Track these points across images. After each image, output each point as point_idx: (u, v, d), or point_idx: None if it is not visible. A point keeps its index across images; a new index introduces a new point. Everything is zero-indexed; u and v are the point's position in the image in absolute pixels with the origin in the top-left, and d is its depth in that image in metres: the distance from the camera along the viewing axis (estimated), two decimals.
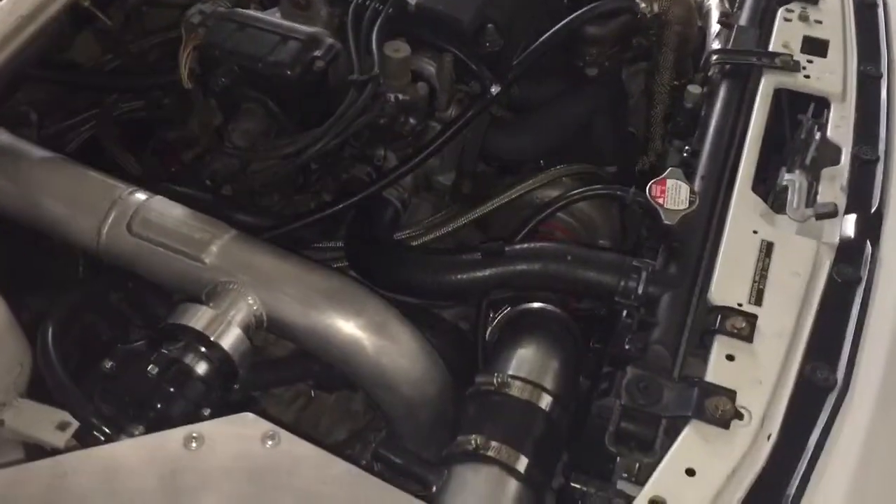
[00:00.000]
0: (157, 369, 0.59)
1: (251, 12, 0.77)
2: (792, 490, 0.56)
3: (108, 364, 0.61)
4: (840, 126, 0.82)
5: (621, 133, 1.00)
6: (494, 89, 0.79)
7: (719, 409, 0.59)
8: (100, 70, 0.89)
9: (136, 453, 0.53)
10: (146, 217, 0.69)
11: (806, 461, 0.57)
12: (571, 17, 0.84)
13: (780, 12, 0.94)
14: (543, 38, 0.82)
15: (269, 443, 0.53)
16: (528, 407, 0.65)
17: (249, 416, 0.54)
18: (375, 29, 0.77)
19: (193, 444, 0.52)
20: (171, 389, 0.59)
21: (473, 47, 0.81)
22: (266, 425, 0.53)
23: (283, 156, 0.71)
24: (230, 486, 0.52)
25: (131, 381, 0.60)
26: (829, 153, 0.79)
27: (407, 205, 0.84)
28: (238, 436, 0.53)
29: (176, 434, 0.53)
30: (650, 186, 0.72)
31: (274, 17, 0.77)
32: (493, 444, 0.62)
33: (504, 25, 0.82)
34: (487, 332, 0.73)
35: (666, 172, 0.74)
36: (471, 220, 0.83)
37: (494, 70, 0.81)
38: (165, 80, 0.83)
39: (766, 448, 0.58)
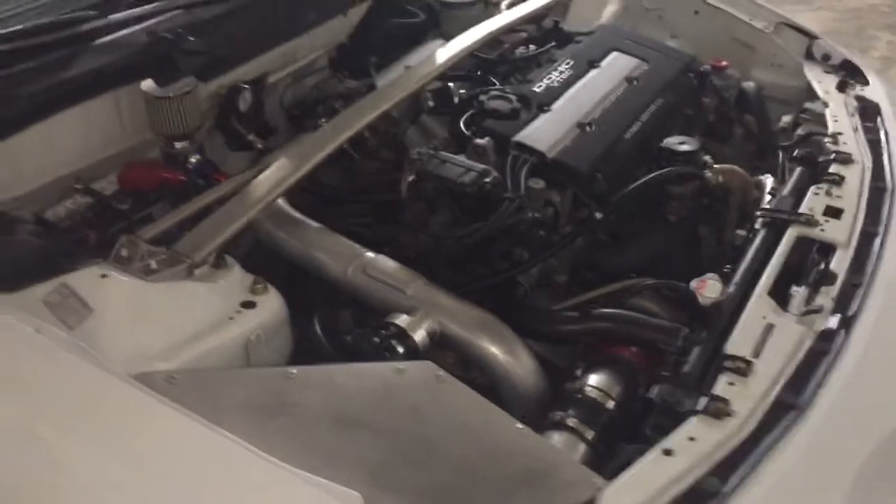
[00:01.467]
0: (378, 341, 1.01)
1: (449, 154, 1.23)
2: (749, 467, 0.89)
3: (348, 338, 1.03)
4: (841, 262, 1.18)
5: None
6: (598, 216, 1.21)
7: (717, 408, 0.94)
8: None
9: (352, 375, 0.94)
10: (374, 265, 1.13)
11: (763, 449, 0.91)
12: (654, 174, 1.26)
13: (812, 188, 1.32)
14: (632, 186, 1.24)
15: (442, 381, 0.93)
16: (596, 403, 1.02)
17: (430, 363, 0.94)
18: (525, 169, 1.21)
19: (398, 373, 0.93)
20: (386, 354, 1.00)
21: (587, 187, 1.24)
22: (439, 370, 0.93)
23: (457, 237, 1.14)
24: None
25: (361, 347, 1.02)
26: (829, 278, 1.15)
27: (531, 291, 1.24)
28: (425, 370, 0.93)
29: (384, 366, 0.94)
30: (693, 282, 1.11)
31: (462, 158, 1.22)
32: (571, 419, 0.99)
33: (609, 175, 1.25)
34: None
35: (707, 275, 1.13)
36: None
37: (600, 204, 1.23)
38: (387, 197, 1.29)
39: (740, 437, 0.92)
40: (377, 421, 0.89)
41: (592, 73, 1.43)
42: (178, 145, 1.26)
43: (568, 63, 1.44)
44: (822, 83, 1.59)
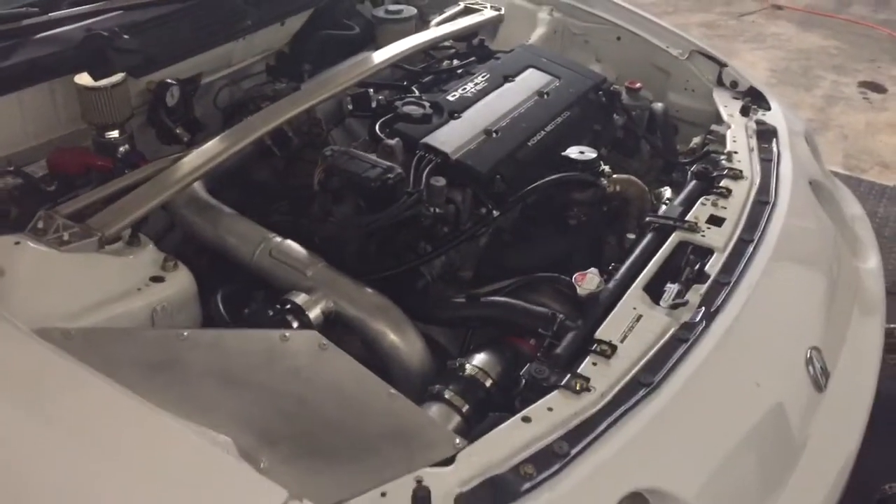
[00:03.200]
0: (272, 314, 1.09)
1: (358, 151, 1.32)
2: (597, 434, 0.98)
3: (246, 312, 1.12)
4: (715, 264, 1.28)
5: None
6: (495, 213, 1.30)
7: (577, 383, 1.03)
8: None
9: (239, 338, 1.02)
10: (279, 248, 1.22)
11: (613, 419, 1.00)
12: (549, 178, 1.36)
13: (701, 199, 1.42)
14: (528, 189, 1.34)
15: (325, 349, 1.01)
16: (475, 380, 1.10)
17: (316, 332, 1.03)
18: (428, 169, 1.30)
19: (283, 339, 1.01)
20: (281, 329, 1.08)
21: (486, 187, 1.33)
22: (324, 340, 1.02)
23: (357, 226, 1.23)
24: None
25: (259, 321, 1.10)
26: (701, 277, 1.25)
27: (433, 282, 1.32)
28: (310, 338, 1.02)
29: (272, 332, 1.02)
30: (575, 275, 1.20)
31: (373, 156, 1.32)
32: (448, 392, 1.07)
33: (509, 177, 1.34)
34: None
35: (589, 270, 1.22)
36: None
37: (498, 203, 1.32)
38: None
39: (594, 409, 1.01)
40: (258, 380, 0.97)
41: (506, 86, 1.53)
42: (108, 135, 1.34)
43: (484, 76, 1.55)
44: (728, 107, 1.70)
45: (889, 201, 2.77)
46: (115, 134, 1.35)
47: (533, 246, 1.41)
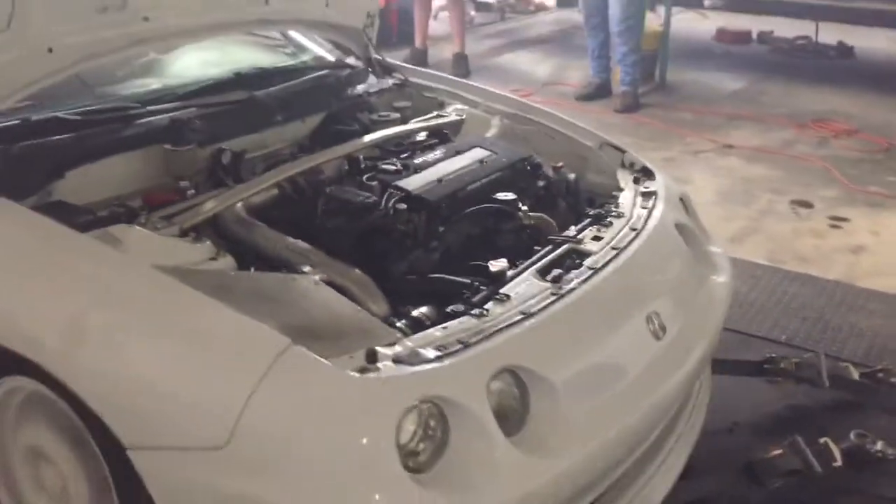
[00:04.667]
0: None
1: (350, 189, 1.96)
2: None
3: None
4: (591, 260, 1.87)
5: None
6: (441, 229, 1.93)
7: (480, 312, 1.61)
8: None
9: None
10: (294, 245, 1.83)
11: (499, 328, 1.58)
12: (480, 206, 1.98)
13: (590, 228, 2.03)
14: (464, 212, 1.97)
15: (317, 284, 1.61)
16: (419, 318, 1.68)
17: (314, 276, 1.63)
18: (394, 199, 1.92)
19: (293, 280, 1.62)
20: None
21: (435, 213, 1.95)
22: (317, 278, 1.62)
23: (346, 228, 1.85)
24: None
25: None
26: (578, 266, 1.84)
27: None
28: (308, 279, 1.62)
29: (289, 275, 1.63)
30: (490, 261, 1.80)
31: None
32: (400, 323, 1.65)
33: (451, 207, 1.96)
34: None
35: (501, 259, 1.82)
36: None
37: (443, 224, 1.94)
38: None
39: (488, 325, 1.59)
40: (277, 297, 1.56)
41: (457, 157, 2.19)
42: (181, 183, 2.00)
43: (442, 150, 2.22)
44: (625, 179, 2.34)
45: (799, 283, 3.37)
46: (186, 182, 2.00)
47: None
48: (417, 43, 6.45)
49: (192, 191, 1.98)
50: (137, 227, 1.68)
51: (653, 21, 6.15)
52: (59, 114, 1.94)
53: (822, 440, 2.26)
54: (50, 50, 1.83)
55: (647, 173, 2.36)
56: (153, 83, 2.27)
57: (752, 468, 2.17)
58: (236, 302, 1.50)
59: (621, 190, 2.27)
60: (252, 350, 1.42)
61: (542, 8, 9.09)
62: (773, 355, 2.61)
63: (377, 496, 1.35)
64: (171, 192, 1.96)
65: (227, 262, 1.73)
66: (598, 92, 5.84)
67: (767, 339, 2.92)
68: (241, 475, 1.37)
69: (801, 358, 2.61)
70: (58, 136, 1.88)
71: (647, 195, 2.23)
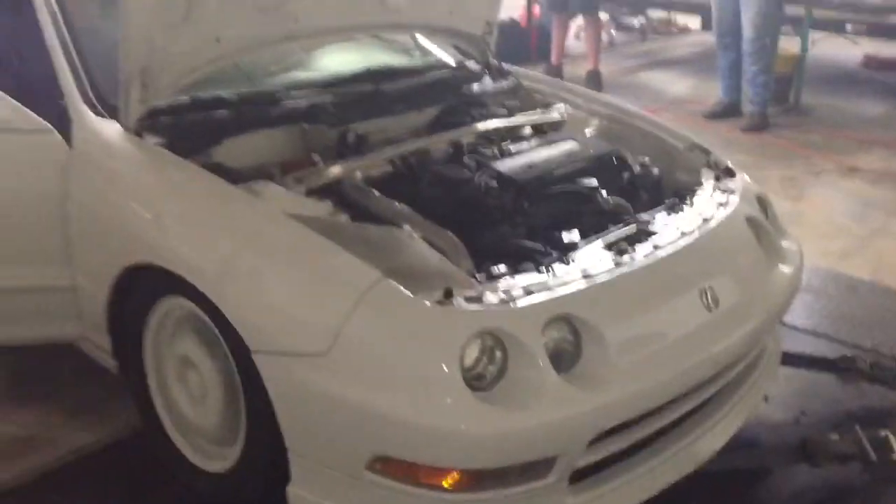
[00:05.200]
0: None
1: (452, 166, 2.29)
2: None
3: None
4: (656, 240, 2.12)
5: None
6: (526, 205, 2.23)
7: (546, 269, 1.90)
8: None
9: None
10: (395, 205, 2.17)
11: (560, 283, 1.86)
12: (563, 186, 2.27)
13: (661, 213, 2.27)
14: (550, 192, 2.26)
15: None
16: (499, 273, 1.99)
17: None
18: (486, 174, 2.24)
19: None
20: None
21: (522, 191, 2.25)
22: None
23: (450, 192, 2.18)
24: None
25: None
26: (645, 245, 2.10)
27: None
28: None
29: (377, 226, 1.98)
30: (563, 232, 2.09)
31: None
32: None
33: (536, 187, 2.26)
34: None
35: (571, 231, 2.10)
36: None
37: (528, 199, 2.24)
38: None
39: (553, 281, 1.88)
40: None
41: (549, 147, 2.48)
42: (313, 156, 2.38)
43: (537, 141, 2.52)
44: (706, 177, 2.55)
45: None
46: (317, 156, 2.38)
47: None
48: (553, 60, 6.75)
49: (320, 162, 2.36)
50: (273, 184, 2.07)
51: (791, 43, 6.19)
52: (221, 94, 2.36)
53: (882, 432, 2.38)
54: (217, 40, 2.26)
55: (728, 172, 2.57)
56: (298, 74, 2.68)
57: (805, 447, 2.32)
58: (345, 245, 1.86)
59: (702, 186, 2.50)
60: (353, 279, 1.77)
61: (684, 30, 9.17)
62: (850, 354, 2.74)
63: (448, 400, 1.67)
64: (304, 161, 2.34)
65: (342, 218, 2.08)
66: (727, 111, 5.94)
67: (853, 345, 3.02)
68: (338, 378, 1.72)
69: (877, 359, 2.73)
70: (218, 111, 2.30)
71: (724, 191, 2.45)
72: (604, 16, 7.96)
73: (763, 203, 2.54)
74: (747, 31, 5.61)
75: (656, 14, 8.88)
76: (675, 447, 2.02)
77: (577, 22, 7.21)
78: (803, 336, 3.05)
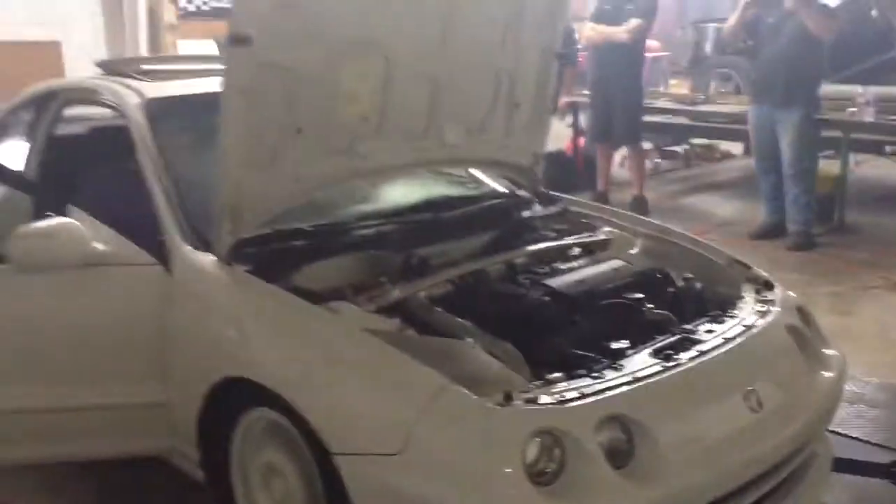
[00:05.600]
0: None
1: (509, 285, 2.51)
2: None
3: None
4: (704, 346, 2.29)
5: None
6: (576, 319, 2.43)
7: (594, 374, 2.08)
8: None
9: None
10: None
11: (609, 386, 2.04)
12: (613, 299, 2.47)
13: (706, 322, 2.44)
14: (599, 305, 2.46)
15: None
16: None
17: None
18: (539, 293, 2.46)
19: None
20: None
21: (573, 304, 2.45)
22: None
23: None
24: None
25: None
26: (690, 350, 2.27)
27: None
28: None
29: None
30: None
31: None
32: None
33: (586, 301, 2.46)
34: None
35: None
36: None
37: (580, 311, 2.44)
38: None
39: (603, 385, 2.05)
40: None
41: (597, 265, 2.70)
42: (381, 278, 2.62)
43: (586, 260, 2.74)
44: (747, 290, 2.73)
45: None
46: (384, 278, 2.61)
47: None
48: (600, 186, 7.05)
49: (388, 284, 2.60)
50: (347, 303, 2.31)
51: (834, 165, 6.39)
52: (299, 226, 2.65)
53: None
54: (297, 180, 2.56)
55: (767, 285, 2.74)
56: (365, 206, 2.97)
57: None
58: (414, 355, 2.06)
59: (743, 298, 2.67)
60: (423, 385, 1.97)
61: (727, 156, 9.48)
62: None
63: (513, 495, 1.83)
64: (374, 283, 2.58)
65: (409, 332, 2.30)
66: (773, 231, 6.11)
67: None
68: (412, 475, 1.90)
69: None
70: (297, 241, 2.58)
71: (764, 302, 2.61)
72: (647, 144, 8.32)
73: (804, 313, 2.69)
74: (786, 155, 5.85)
75: (699, 141, 9.21)
76: None
77: (622, 151, 7.54)
78: (856, 445, 3.12)
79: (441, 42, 2.67)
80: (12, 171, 3.11)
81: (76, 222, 2.41)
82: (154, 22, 12.84)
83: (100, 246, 2.43)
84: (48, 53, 12.47)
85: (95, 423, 2.51)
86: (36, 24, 12.37)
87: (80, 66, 12.43)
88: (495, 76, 2.94)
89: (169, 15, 13.07)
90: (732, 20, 6.29)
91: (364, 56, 2.53)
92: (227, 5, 14.54)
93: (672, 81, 11.82)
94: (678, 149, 9.13)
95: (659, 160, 8.90)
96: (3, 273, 2.37)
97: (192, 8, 14.29)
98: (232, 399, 2.29)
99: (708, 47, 10.14)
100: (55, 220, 2.38)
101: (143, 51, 12.58)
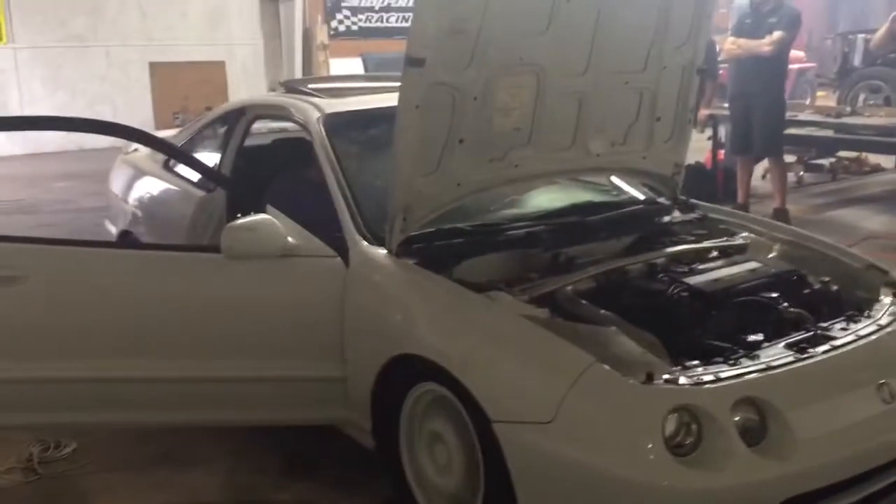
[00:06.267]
0: None
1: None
2: None
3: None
4: (841, 339, 2.44)
5: None
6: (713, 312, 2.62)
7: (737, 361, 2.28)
8: None
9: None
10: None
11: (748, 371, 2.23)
12: (749, 297, 2.64)
13: (842, 321, 2.58)
14: (734, 301, 2.65)
15: None
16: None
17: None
18: (679, 290, 2.66)
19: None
20: None
21: (710, 300, 2.64)
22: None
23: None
24: None
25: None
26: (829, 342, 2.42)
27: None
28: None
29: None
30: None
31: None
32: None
33: (720, 298, 2.66)
34: None
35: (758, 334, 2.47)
36: None
37: (718, 307, 2.63)
38: None
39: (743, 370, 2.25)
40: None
41: (734, 266, 2.88)
42: (531, 274, 2.90)
43: (723, 262, 2.93)
44: (885, 293, 2.84)
45: None
46: (535, 274, 2.89)
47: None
48: (740, 199, 7.07)
49: (538, 278, 2.87)
50: (503, 293, 2.60)
51: None
52: (458, 225, 2.96)
53: None
54: (458, 185, 2.87)
55: None
56: (518, 210, 3.26)
57: None
58: (565, 338, 2.33)
59: (880, 301, 2.79)
60: (573, 362, 2.23)
61: (877, 169, 9.22)
62: None
63: (652, 462, 2.06)
64: (524, 278, 2.86)
65: (559, 320, 2.56)
66: None
67: None
68: (561, 441, 2.16)
69: None
70: (457, 239, 2.90)
71: None
72: (791, 158, 8.23)
73: None
74: None
75: (846, 154, 9.01)
76: None
77: (764, 164, 7.53)
78: None
79: (588, 63, 2.94)
80: (220, 173, 3.58)
81: (273, 219, 2.81)
82: (308, 42, 13.72)
83: (291, 240, 2.82)
84: (215, 72, 13.57)
85: (282, 394, 2.90)
86: (205, 46, 13.49)
87: (242, 83, 13.54)
88: (638, 93, 3.17)
89: (322, 35, 13.95)
90: (881, 31, 6.23)
91: (519, 75, 2.82)
92: (374, 25, 15.34)
93: (819, 93, 11.56)
94: (824, 162, 8.96)
95: (803, 173, 8.77)
96: (216, 261, 2.79)
97: (342, 28, 15.17)
98: (402, 375, 2.62)
99: (856, 58, 9.90)
100: (257, 217, 2.79)
101: (299, 69, 13.46)
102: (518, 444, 2.24)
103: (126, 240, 4.32)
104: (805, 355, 2.34)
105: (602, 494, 2.11)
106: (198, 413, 2.93)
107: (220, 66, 13.87)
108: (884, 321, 2.59)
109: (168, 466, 3.19)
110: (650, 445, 2.08)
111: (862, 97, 9.31)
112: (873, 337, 2.48)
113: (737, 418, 2.14)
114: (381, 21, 15.40)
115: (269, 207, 2.86)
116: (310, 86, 3.73)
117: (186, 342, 2.82)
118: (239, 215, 2.83)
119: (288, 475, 3.11)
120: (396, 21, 15.24)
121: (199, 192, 3.70)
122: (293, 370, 2.86)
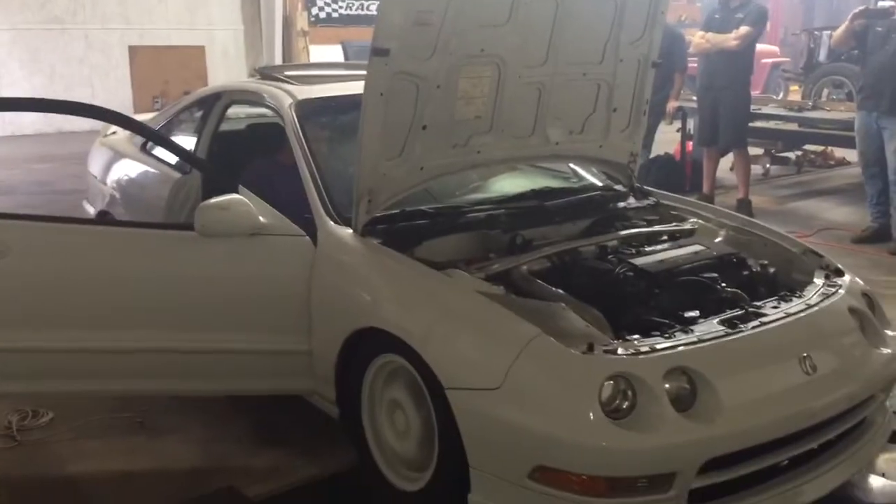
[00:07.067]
0: None
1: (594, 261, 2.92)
2: None
3: None
4: (766, 319, 2.64)
5: None
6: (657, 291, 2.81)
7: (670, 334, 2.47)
8: None
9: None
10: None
11: (676, 343, 2.43)
12: (690, 278, 2.84)
13: (773, 302, 2.78)
14: (678, 280, 2.84)
15: None
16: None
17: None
18: (625, 269, 2.85)
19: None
20: None
21: (653, 279, 2.83)
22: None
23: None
24: None
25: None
26: (757, 318, 2.62)
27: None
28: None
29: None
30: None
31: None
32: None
33: (665, 277, 2.85)
34: None
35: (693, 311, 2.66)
36: None
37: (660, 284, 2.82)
38: None
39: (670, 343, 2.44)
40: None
41: (678, 248, 3.07)
42: (490, 254, 3.08)
43: (669, 245, 3.12)
44: (818, 276, 3.04)
45: None
46: (493, 255, 3.07)
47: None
48: (706, 189, 7.29)
49: (496, 258, 3.05)
50: (461, 271, 2.78)
51: None
52: (421, 208, 3.13)
53: None
54: (421, 169, 3.04)
55: (838, 272, 3.05)
56: (474, 195, 3.43)
57: None
58: (515, 312, 2.51)
59: (813, 283, 2.99)
60: (520, 334, 2.41)
61: (841, 163, 9.47)
62: None
63: (591, 424, 2.25)
64: (483, 258, 3.03)
65: (512, 296, 2.74)
66: (876, 235, 6.24)
67: None
68: (508, 406, 2.34)
69: None
70: (419, 220, 3.07)
71: (831, 286, 2.93)
72: (758, 150, 8.45)
73: (870, 298, 2.98)
74: (892, 161, 5.98)
75: (813, 147, 9.25)
76: (781, 488, 2.46)
77: (731, 156, 7.75)
78: None
79: (547, 55, 3.11)
80: (195, 155, 3.71)
81: (245, 199, 2.96)
82: (288, 28, 13.82)
83: (262, 219, 2.97)
84: (195, 56, 13.65)
85: (252, 365, 3.06)
86: (185, 31, 13.56)
87: (222, 67, 13.62)
88: (595, 84, 3.35)
89: (302, 22, 14.05)
90: (841, 28, 6.44)
91: (480, 66, 2.99)
92: (355, 13, 15.42)
93: (793, 87, 11.79)
94: (790, 155, 9.20)
95: (769, 166, 9.00)
96: (190, 238, 2.94)
97: (322, 15, 15.27)
98: (364, 347, 2.80)
99: (822, 54, 10.15)
100: (230, 196, 2.94)
101: (279, 55, 13.56)
102: (469, 409, 2.42)
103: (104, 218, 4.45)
104: (735, 330, 2.53)
105: (545, 455, 2.29)
106: (173, 382, 3.08)
107: (199, 50, 13.94)
108: (813, 301, 2.79)
109: (143, 434, 3.35)
110: (588, 409, 2.26)
111: (826, 92, 9.55)
112: (801, 315, 2.68)
113: (668, 386, 2.33)
114: (362, 9, 15.52)
115: (241, 188, 3.01)
116: (285, 73, 3.87)
117: (161, 315, 2.97)
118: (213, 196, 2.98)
119: (258, 443, 3.27)
120: (377, 9, 15.32)
121: (176, 174, 3.83)
122: (262, 343, 3.01)
